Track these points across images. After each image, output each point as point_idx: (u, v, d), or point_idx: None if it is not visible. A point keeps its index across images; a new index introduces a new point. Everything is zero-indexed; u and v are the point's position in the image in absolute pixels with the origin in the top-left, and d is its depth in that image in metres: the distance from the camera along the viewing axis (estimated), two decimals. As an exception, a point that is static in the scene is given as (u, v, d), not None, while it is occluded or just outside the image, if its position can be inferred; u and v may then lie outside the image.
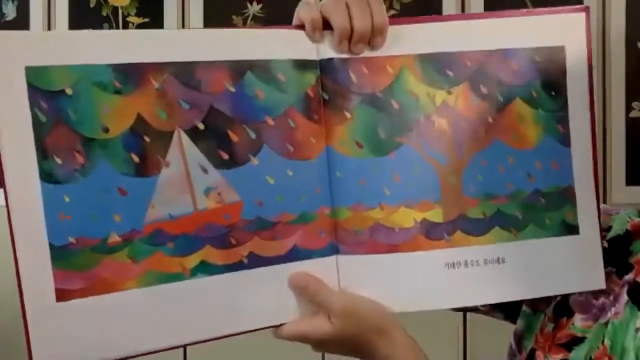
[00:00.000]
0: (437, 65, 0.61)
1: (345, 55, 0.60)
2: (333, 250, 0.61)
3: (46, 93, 0.51)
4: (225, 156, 0.57)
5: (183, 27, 1.15)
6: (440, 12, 1.23)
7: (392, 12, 1.31)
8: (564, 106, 0.63)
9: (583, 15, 0.63)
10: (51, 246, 0.51)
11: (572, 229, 0.62)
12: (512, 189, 0.62)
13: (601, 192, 1.46)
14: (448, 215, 0.62)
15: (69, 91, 0.52)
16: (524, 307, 0.68)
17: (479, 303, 0.67)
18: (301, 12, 0.59)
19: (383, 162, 0.61)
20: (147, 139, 0.54)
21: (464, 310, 0.74)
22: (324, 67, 0.60)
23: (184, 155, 0.56)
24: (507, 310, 0.71)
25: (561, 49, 0.63)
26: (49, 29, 1.11)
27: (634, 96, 1.40)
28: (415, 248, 0.61)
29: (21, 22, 1.18)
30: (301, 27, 0.60)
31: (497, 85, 0.62)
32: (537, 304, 0.67)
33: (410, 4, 1.21)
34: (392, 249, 0.61)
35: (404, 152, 0.61)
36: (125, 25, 1.14)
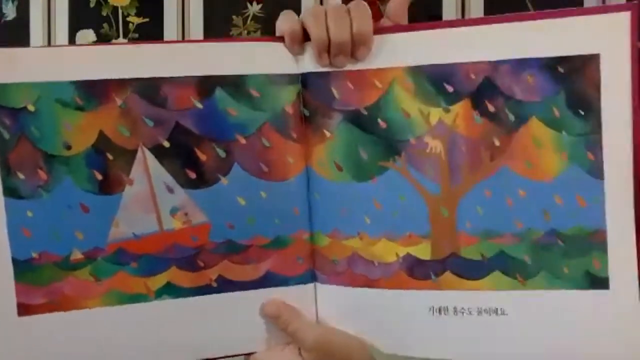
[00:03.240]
0: (434, 79, 0.51)
1: (327, 69, 0.52)
2: (311, 277, 0.54)
3: (9, 110, 0.50)
4: (193, 175, 0.53)
5: (183, 27, 1.10)
6: (440, 12, 1.05)
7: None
8: (597, 128, 0.49)
9: (627, 15, 0.48)
10: (14, 260, 0.51)
11: (599, 282, 0.49)
12: (522, 227, 0.50)
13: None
14: (437, 252, 0.51)
15: (31, 108, 0.50)
16: None
17: (468, 359, 0.55)
18: (280, 23, 0.53)
19: (364, 187, 0.52)
20: (110, 156, 0.52)
21: None
22: (306, 81, 0.53)
23: (148, 173, 0.53)
24: None
25: (594, 58, 0.49)
26: (49, 29, 1.11)
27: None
28: (396, 286, 0.52)
29: (21, 22, 1.18)
30: (282, 38, 0.53)
31: (507, 102, 0.50)
32: None
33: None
34: (370, 283, 0.53)
35: (388, 178, 0.52)
36: (126, 25, 1.12)
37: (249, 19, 0.98)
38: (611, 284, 0.48)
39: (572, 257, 0.49)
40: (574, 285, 0.49)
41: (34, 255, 0.51)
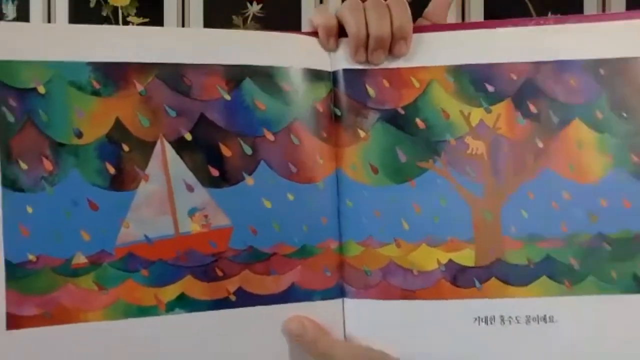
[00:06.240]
0: (475, 78, 0.49)
1: (362, 66, 0.49)
2: (339, 292, 0.49)
3: (16, 91, 0.44)
4: (216, 173, 0.47)
5: (183, 27, 1.08)
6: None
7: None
8: None
9: None
10: (7, 263, 0.43)
11: None
12: (567, 231, 0.47)
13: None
14: (482, 258, 0.47)
15: (41, 90, 0.45)
16: None
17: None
18: (314, 17, 0.50)
19: (402, 190, 0.48)
20: (125, 147, 0.46)
21: None
22: (338, 78, 0.50)
23: (166, 168, 0.47)
24: None
25: (636, 61, 0.48)
26: (48, 29, 1.07)
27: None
28: (438, 296, 0.47)
29: (21, 22, 1.15)
30: (314, 33, 0.50)
31: (549, 103, 0.48)
32: None
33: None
34: (408, 295, 0.48)
35: (428, 179, 0.48)
36: (125, 25, 1.09)
37: (249, 19, 0.97)
38: None
39: (619, 260, 0.47)
40: (622, 290, 0.46)
41: (31, 257, 0.44)
